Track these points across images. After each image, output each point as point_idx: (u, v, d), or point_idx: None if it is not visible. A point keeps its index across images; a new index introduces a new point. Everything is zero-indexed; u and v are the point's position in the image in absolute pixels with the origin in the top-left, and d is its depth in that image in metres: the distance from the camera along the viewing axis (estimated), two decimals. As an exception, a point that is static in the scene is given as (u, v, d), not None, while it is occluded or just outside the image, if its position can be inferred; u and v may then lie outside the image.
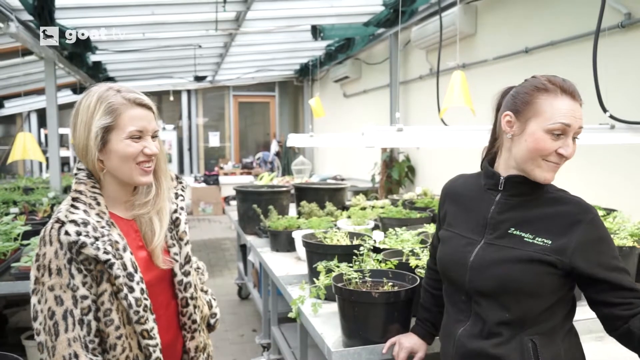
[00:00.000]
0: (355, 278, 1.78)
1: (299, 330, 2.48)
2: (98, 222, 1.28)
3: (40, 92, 7.83)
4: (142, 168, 1.33)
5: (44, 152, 5.73)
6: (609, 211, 2.67)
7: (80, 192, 1.30)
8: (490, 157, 1.43)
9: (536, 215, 1.30)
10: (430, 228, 2.59)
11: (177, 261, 1.45)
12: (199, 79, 8.54)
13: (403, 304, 1.68)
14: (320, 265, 2.00)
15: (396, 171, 5.90)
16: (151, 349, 1.31)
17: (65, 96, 8.20)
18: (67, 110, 9.41)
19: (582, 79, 2.70)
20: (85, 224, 1.24)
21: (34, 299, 1.25)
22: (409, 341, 1.61)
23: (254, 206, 3.47)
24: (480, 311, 1.32)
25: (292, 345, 2.96)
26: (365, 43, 6.49)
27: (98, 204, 1.31)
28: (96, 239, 1.24)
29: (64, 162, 9.34)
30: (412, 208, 3.42)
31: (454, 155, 4.88)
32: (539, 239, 1.27)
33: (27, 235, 2.97)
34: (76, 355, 1.20)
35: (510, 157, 1.34)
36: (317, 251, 2.22)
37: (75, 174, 1.34)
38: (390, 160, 6.09)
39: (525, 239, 1.28)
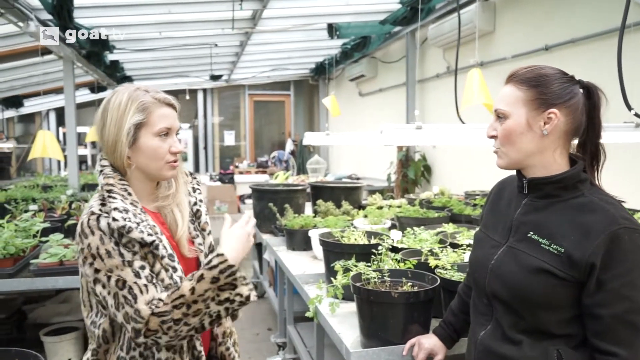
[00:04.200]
0: (374, 278, 1.75)
1: (315, 330, 2.46)
2: (134, 209, 1.34)
3: (58, 91, 7.91)
4: (171, 164, 1.42)
5: (62, 150, 5.79)
6: (634, 212, 2.61)
7: (111, 184, 1.36)
8: None
9: (558, 221, 1.22)
10: (449, 228, 2.56)
11: (202, 251, 1.51)
12: (214, 77, 8.56)
13: (423, 304, 1.66)
14: (338, 265, 1.98)
15: (412, 170, 5.85)
16: None
17: (83, 95, 8.29)
18: (85, 109, 9.52)
19: (605, 76, 2.64)
20: (126, 210, 1.31)
21: (98, 289, 1.29)
22: (429, 342, 1.59)
23: (270, 205, 3.46)
24: (498, 316, 1.29)
25: (308, 344, 2.95)
26: (382, 41, 6.45)
27: (129, 194, 1.38)
28: (138, 224, 1.30)
29: (82, 160, 9.43)
30: (430, 207, 3.38)
31: (470, 154, 4.82)
32: (554, 247, 1.19)
33: (45, 232, 2.99)
34: (159, 299, 1.25)
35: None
36: (335, 250, 2.20)
37: (101, 170, 1.40)
38: (406, 159, 6.04)
39: (542, 244, 1.22)
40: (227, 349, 1.56)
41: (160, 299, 1.26)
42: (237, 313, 1.63)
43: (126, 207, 1.32)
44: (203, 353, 1.40)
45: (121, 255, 1.27)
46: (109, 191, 1.34)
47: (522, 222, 1.29)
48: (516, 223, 1.31)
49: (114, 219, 1.27)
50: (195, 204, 1.55)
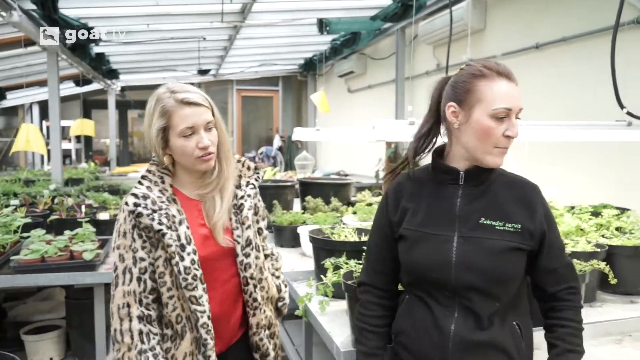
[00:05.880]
0: (366, 276, 1.71)
1: (303, 328, 2.42)
2: (159, 197, 1.48)
3: (42, 83, 7.75)
4: (202, 159, 1.49)
5: (46, 144, 5.68)
6: (623, 210, 2.61)
7: (150, 171, 1.53)
8: (439, 149, 1.43)
9: (500, 201, 1.32)
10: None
11: (238, 243, 1.58)
12: (202, 72, 8.46)
13: (415, 303, 1.62)
14: (328, 262, 1.94)
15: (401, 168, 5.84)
16: (199, 314, 1.46)
17: (68, 88, 8.14)
18: (69, 103, 9.37)
19: (596, 75, 2.64)
20: (145, 197, 1.45)
21: (113, 257, 1.49)
22: None
23: (258, 201, 3.41)
24: (471, 305, 1.29)
25: (296, 342, 2.91)
26: (371, 38, 6.43)
27: (163, 182, 1.52)
28: (154, 211, 1.44)
29: (66, 154, 9.28)
30: (419, 205, 3.36)
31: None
32: (509, 225, 1.29)
33: (27, 227, 2.92)
34: (128, 305, 1.43)
35: (461, 147, 1.34)
36: (325, 247, 2.17)
37: (153, 156, 1.56)
38: (395, 157, 6.03)
39: (496, 227, 1.29)
40: (261, 339, 1.62)
41: (129, 304, 1.42)
42: (283, 309, 1.76)
43: (146, 194, 1.45)
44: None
45: (133, 239, 1.44)
46: (143, 177, 1.51)
47: (468, 211, 1.33)
48: (462, 214, 1.33)
49: (126, 203, 1.44)
50: (242, 197, 1.60)
